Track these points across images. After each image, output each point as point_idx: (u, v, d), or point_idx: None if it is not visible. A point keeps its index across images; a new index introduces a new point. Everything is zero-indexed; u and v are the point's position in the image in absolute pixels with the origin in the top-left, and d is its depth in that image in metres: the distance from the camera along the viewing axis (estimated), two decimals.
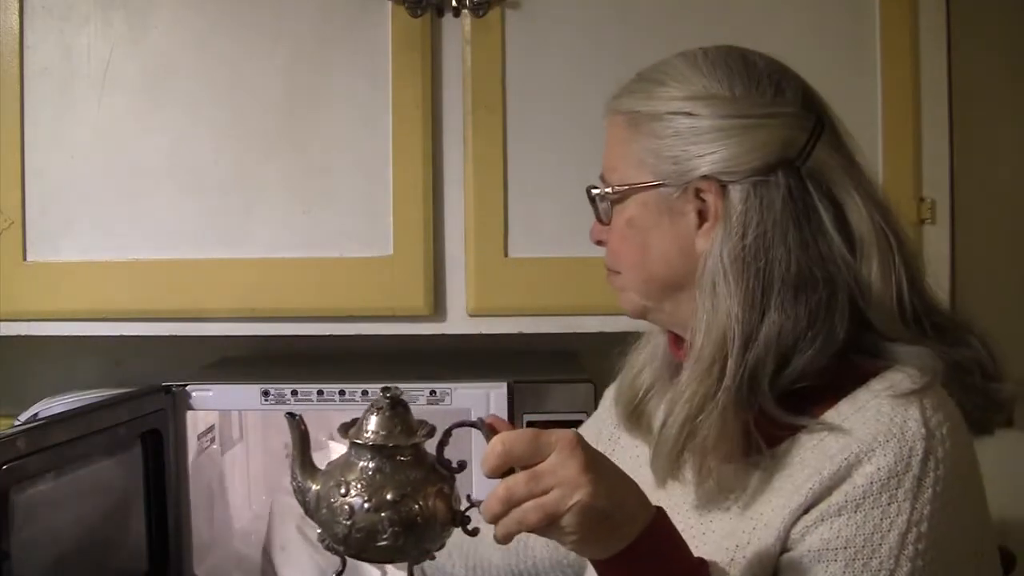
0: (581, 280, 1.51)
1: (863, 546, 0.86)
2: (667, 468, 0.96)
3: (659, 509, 0.86)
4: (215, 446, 1.72)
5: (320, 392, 1.56)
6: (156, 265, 1.55)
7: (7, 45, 1.55)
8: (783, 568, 0.90)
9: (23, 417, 1.71)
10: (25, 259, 1.55)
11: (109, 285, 1.55)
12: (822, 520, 0.88)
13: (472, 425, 0.88)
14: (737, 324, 0.90)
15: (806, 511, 0.89)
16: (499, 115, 1.53)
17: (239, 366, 1.78)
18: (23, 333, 1.57)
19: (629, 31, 1.53)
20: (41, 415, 1.71)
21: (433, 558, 0.90)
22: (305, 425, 0.93)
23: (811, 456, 0.91)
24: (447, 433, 0.89)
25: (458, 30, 1.54)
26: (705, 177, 0.94)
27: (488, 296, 1.54)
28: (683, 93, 0.96)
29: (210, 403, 1.59)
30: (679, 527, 0.88)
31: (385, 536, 0.85)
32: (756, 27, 1.52)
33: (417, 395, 1.55)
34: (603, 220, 1.02)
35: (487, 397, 1.54)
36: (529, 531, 0.81)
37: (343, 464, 0.89)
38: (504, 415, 1.52)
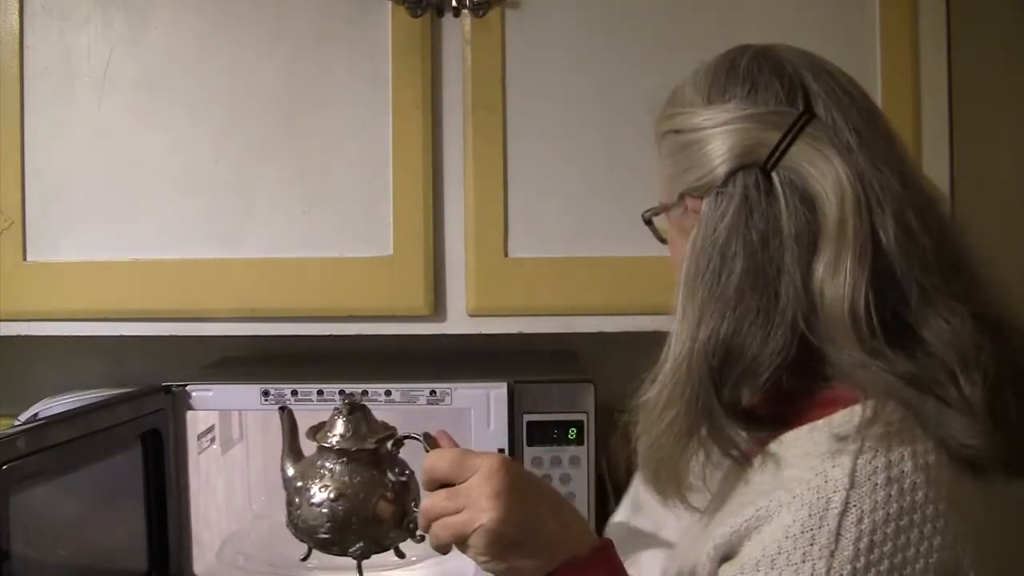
0: (581, 280, 1.51)
1: None
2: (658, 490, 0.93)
3: (604, 542, 0.87)
4: (215, 446, 1.72)
5: (320, 392, 1.56)
6: (156, 265, 1.55)
7: (7, 45, 1.55)
8: None
9: (23, 417, 1.71)
10: (25, 259, 1.55)
11: (109, 285, 1.55)
12: (742, 573, 0.81)
13: (415, 439, 0.94)
14: (683, 331, 0.88)
15: (727, 554, 0.84)
16: (499, 115, 1.53)
17: (239, 366, 1.78)
18: (23, 333, 1.57)
19: (629, 31, 1.53)
20: (41, 415, 1.71)
21: (401, 555, 0.97)
22: (294, 417, 1.03)
23: (744, 491, 0.87)
24: (398, 442, 0.96)
25: (458, 30, 1.54)
26: (690, 195, 0.93)
27: (488, 296, 1.54)
28: (671, 109, 0.96)
29: (210, 403, 1.59)
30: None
31: (323, 529, 0.94)
32: (756, 27, 1.52)
33: (417, 395, 1.55)
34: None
35: (487, 397, 1.54)
36: (446, 545, 0.86)
37: (310, 460, 0.98)
38: (504, 415, 1.52)
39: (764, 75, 0.92)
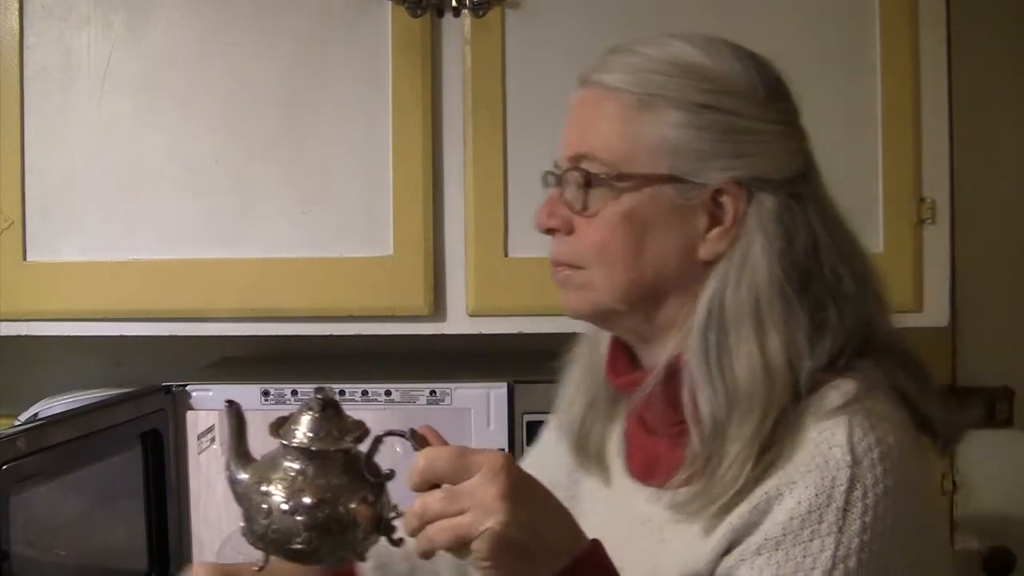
0: None
1: None
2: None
3: (595, 543, 0.81)
4: (215, 446, 1.72)
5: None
6: (156, 265, 1.55)
7: (7, 45, 1.55)
8: None
9: (23, 417, 1.71)
10: (25, 259, 1.55)
11: (109, 285, 1.55)
12: (743, 560, 0.82)
13: (401, 435, 0.85)
14: (794, 340, 0.85)
15: (729, 545, 0.84)
16: (499, 115, 1.53)
17: (239, 366, 1.78)
18: (23, 333, 1.57)
19: (629, 31, 1.51)
20: (41, 415, 1.71)
21: (364, 559, 0.88)
22: (242, 413, 0.92)
23: (728, 479, 0.85)
24: (377, 440, 0.87)
25: (458, 30, 1.54)
26: (735, 180, 0.88)
27: (488, 296, 1.54)
28: (716, 86, 0.89)
29: (210, 403, 1.59)
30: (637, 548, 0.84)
31: (299, 539, 0.84)
32: (756, 27, 1.52)
33: (417, 395, 1.55)
34: (576, 206, 0.92)
35: (487, 397, 1.54)
36: (442, 550, 0.78)
37: (270, 461, 0.87)
38: (504, 415, 1.52)
39: (786, 87, 0.94)
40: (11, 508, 1.25)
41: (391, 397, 1.56)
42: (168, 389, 1.57)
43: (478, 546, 0.76)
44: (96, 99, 1.55)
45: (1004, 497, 1.85)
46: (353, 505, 0.84)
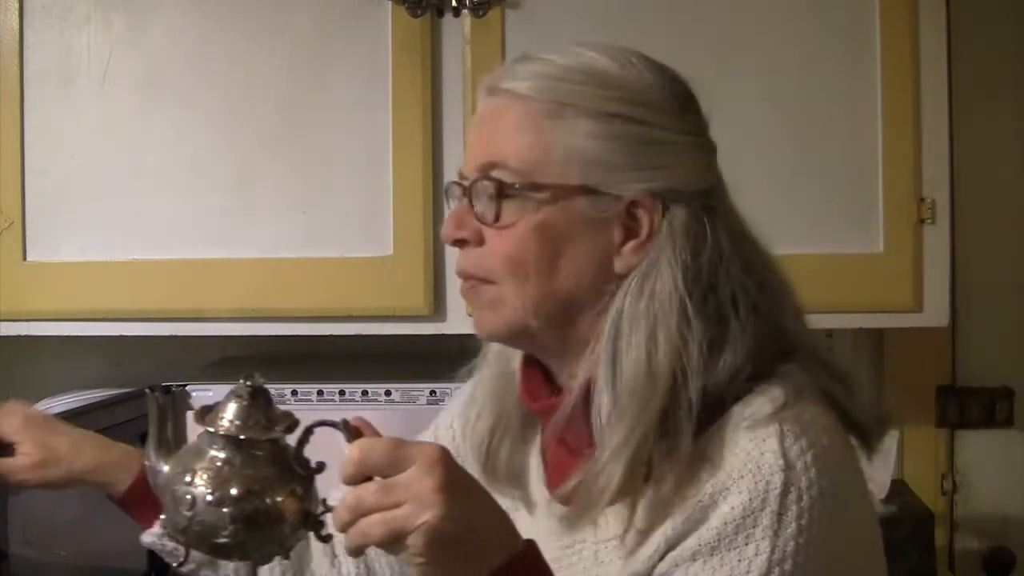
0: None
1: None
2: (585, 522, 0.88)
3: (529, 543, 0.79)
4: None
5: (320, 392, 1.56)
6: (156, 265, 1.55)
7: (7, 45, 1.55)
8: None
9: None
10: (25, 259, 1.56)
11: (109, 285, 1.55)
12: (676, 566, 0.81)
13: (333, 425, 0.80)
14: (687, 352, 0.83)
15: (663, 554, 0.83)
16: None
17: (239, 366, 1.77)
18: (23, 333, 1.57)
19: (629, 31, 1.53)
20: None
21: (288, 558, 0.85)
22: (164, 401, 0.88)
23: (667, 488, 0.84)
24: (307, 431, 0.82)
25: (458, 30, 1.54)
26: (650, 192, 0.86)
27: None
28: (629, 95, 0.87)
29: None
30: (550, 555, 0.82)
31: (225, 532, 0.79)
32: (756, 27, 1.52)
33: (417, 395, 1.55)
34: (488, 217, 0.88)
35: None
36: (375, 545, 0.75)
37: (194, 450, 0.83)
38: None
39: (702, 112, 0.93)
40: (9, 508, 1.25)
41: (391, 397, 1.56)
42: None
43: (414, 540, 0.73)
44: (96, 99, 1.55)
45: (1004, 497, 1.85)
46: (281, 498, 0.80)
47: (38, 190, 1.55)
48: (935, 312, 1.54)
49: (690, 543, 0.81)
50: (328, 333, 1.56)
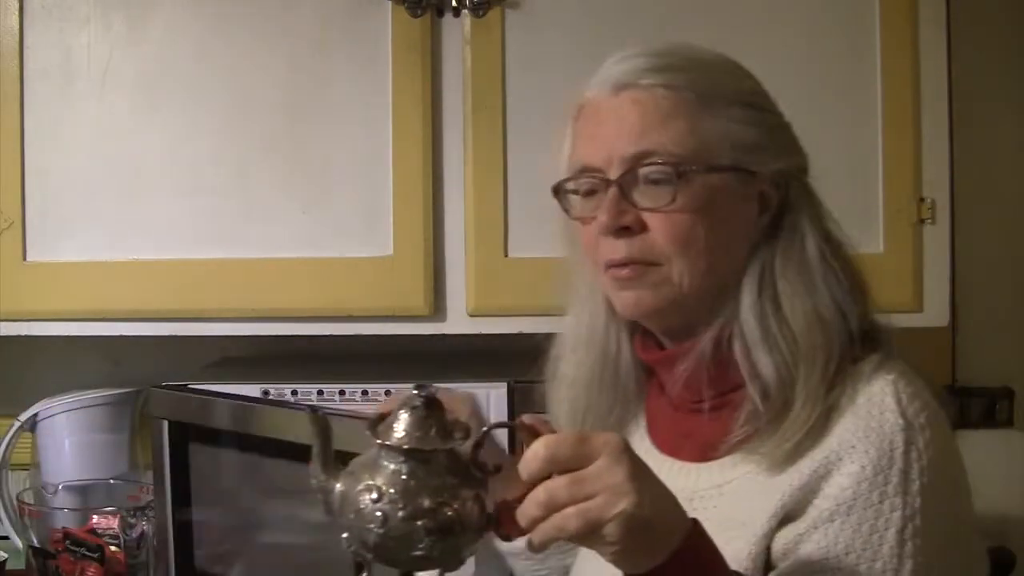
0: None
1: (863, 549, 0.85)
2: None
3: (695, 521, 0.81)
4: None
5: (320, 392, 1.56)
6: (156, 265, 1.55)
7: (7, 45, 1.55)
8: None
9: (23, 417, 1.71)
10: (25, 259, 1.55)
11: (109, 285, 1.55)
12: (815, 528, 0.86)
13: (510, 426, 0.83)
14: (833, 307, 0.93)
15: (787, 515, 0.88)
16: (499, 115, 1.53)
17: (239, 366, 1.77)
18: (23, 333, 1.57)
19: (629, 31, 1.53)
20: (41, 415, 1.71)
21: (462, 563, 0.84)
22: (327, 421, 0.87)
23: (771, 456, 0.90)
24: (484, 434, 0.83)
25: (458, 30, 1.54)
26: (779, 169, 0.96)
27: (488, 296, 1.54)
28: (749, 86, 0.99)
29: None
30: None
31: (421, 545, 0.79)
32: (756, 27, 1.52)
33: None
34: (661, 201, 0.93)
35: (487, 397, 1.53)
36: (568, 539, 0.77)
37: (371, 465, 0.81)
38: (504, 415, 1.52)
39: None
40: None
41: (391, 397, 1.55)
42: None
43: (610, 530, 0.75)
44: (96, 99, 1.55)
45: (1004, 497, 1.85)
46: (468, 504, 0.80)
47: (38, 190, 1.55)
48: (935, 312, 1.54)
49: (823, 503, 0.87)
50: (328, 333, 1.56)
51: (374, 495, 0.79)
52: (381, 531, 0.79)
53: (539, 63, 1.54)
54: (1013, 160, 1.86)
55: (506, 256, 1.54)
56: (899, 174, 1.53)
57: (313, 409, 0.86)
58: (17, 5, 1.55)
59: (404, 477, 0.80)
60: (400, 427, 0.81)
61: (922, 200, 1.54)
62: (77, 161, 1.55)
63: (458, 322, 1.55)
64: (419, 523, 0.78)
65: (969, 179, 1.71)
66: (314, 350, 1.75)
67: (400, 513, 0.79)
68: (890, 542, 0.85)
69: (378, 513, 0.79)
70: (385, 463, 0.81)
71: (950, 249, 1.55)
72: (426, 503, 0.79)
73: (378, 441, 0.81)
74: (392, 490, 0.79)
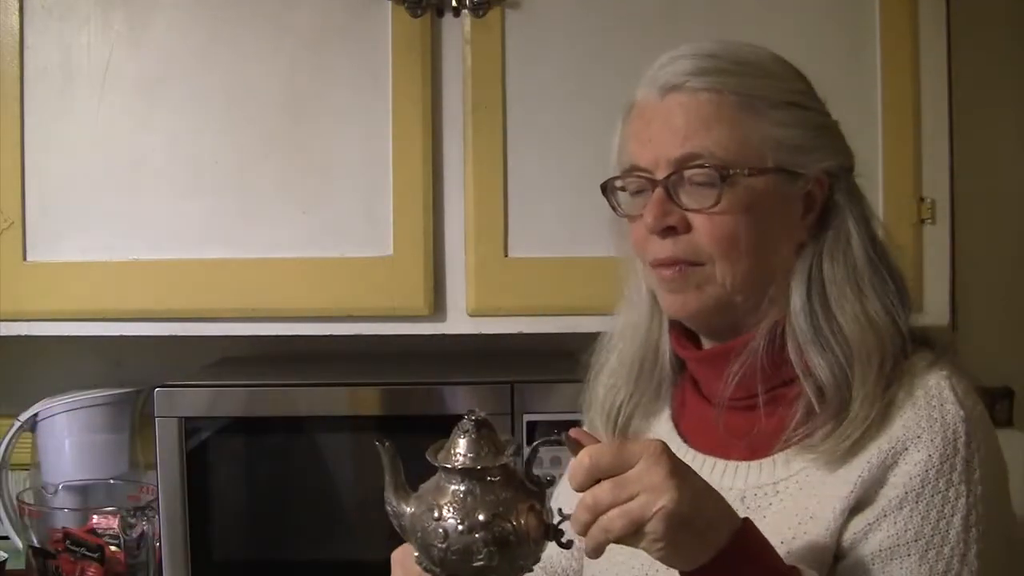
0: (581, 280, 1.51)
1: (932, 535, 0.88)
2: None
3: (746, 520, 0.85)
4: None
5: None
6: (156, 265, 1.55)
7: (7, 45, 1.55)
8: (850, 570, 0.90)
9: (23, 417, 1.71)
10: (25, 259, 1.56)
11: (109, 285, 1.55)
12: (884, 516, 0.89)
13: (557, 442, 0.88)
14: (882, 310, 0.95)
15: (857, 505, 0.90)
16: (499, 115, 1.53)
17: (239, 366, 1.77)
18: (23, 333, 1.57)
19: (629, 31, 1.53)
20: (41, 415, 1.71)
21: (531, 570, 0.90)
22: (395, 451, 0.94)
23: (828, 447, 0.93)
24: (534, 450, 0.90)
25: (458, 30, 1.54)
26: (825, 170, 0.97)
27: (488, 296, 1.54)
28: (795, 85, 0.99)
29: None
30: None
31: (480, 556, 0.86)
32: (756, 27, 1.52)
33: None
34: (703, 203, 0.95)
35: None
36: (616, 540, 0.81)
37: (434, 488, 0.90)
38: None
39: None
40: None
41: None
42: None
43: (653, 526, 0.79)
44: (96, 99, 1.55)
45: None
46: (523, 515, 0.86)
47: (38, 190, 1.55)
48: (935, 312, 1.54)
49: (892, 492, 0.89)
50: (328, 333, 1.56)
51: (436, 514, 0.87)
52: (443, 546, 0.87)
53: (539, 63, 1.54)
54: (1013, 160, 1.86)
55: (506, 256, 1.54)
56: (899, 174, 1.53)
57: (382, 442, 0.93)
58: (17, 5, 1.55)
59: (461, 495, 0.87)
60: (456, 450, 0.89)
61: (922, 200, 1.54)
62: (77, 161, 1.55)
63: (458, 322, 1.56)
64: (477, 536, 0.86)
65: (969, 179, 1.71)
66: (314, 350, 1.75)
67: (459, 528, 0.86)
68: (956, 528, 0.88)
69: (440, 530, 0.87)
70: (445, 484, 0.89)
71: (950, 249, 1.55)
72: (482, 517, 0.86)
73: (437, 465, 0.89)
74: (451, 508, 0.87)
